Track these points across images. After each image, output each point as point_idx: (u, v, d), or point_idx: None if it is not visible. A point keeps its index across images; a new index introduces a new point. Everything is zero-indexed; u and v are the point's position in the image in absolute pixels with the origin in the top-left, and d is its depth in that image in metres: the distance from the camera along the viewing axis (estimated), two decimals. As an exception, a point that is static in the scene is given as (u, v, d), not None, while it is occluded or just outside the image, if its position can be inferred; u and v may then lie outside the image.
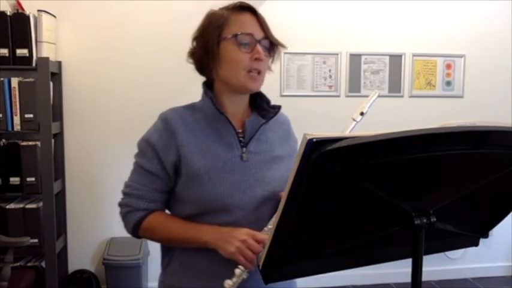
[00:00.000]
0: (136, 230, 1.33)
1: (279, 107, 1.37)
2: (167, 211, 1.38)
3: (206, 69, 1.33)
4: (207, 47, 1.28)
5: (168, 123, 1.31)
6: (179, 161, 1.27)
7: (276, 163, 1.34)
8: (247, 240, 1.18)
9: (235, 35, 1.25)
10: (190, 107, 1.36)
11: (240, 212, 1.26)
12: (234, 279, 1.19)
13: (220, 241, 1.21)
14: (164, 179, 1.30)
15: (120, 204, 1.37)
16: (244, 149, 1.30)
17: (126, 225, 1.36)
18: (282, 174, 1.32)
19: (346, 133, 1.23)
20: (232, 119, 1.31)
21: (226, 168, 1.27)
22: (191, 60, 1.36)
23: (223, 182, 1.26)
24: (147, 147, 1.33)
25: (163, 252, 1.40)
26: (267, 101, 1.38)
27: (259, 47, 1.26)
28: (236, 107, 1.35)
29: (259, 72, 1.28)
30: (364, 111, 1.32)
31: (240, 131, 1.33)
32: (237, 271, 1.19)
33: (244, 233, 1.20)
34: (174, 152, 1.28)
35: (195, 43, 1.34)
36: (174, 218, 1.34)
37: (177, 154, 1.27)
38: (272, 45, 1.31)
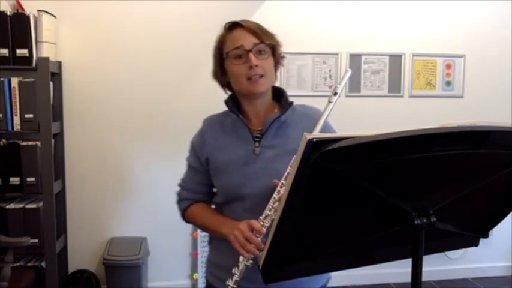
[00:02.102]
0: (183, 216, 1.62)
1: (290, 103, 1.52)
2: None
3: (226, 86, 1.55)
4: (218, 67, 1.51)
5: (203, 127, 1.58)
6: (208, 158, 1.52)
7: (290, 156, 1.40)
8: (241, 228, 1.35)
9: (229, 53, 1.44)
10: (225, 113, 1.57)
11: (252, 200, 1.43)
12: (239, 266, 1.36)
13: (229, 232, 1.40)
14: (203, 172, 1.55)
15: (176, 194, 1.64)
16: (257, 144, 1.48)
17: (179, 211, 1.64)
18: None
19: (325, 115, 1.40)
20: (254, 118, 1.51)
21: (240, 161, 1.47)
22: (215, 80, 1.56)
23: (237, 173, 1.46)
24: (191, 147, 1.60)
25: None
26: (286, 100, 1.53)
27: (251, 56, 1.41)
28: (256, 109, 1.52)
29: (261, 76, 1.43)
30: (338, 92, 1.43)
31: (260, 128, 1.50)
32: (240, 258, 1.35)
33: (243, 223, 1.36)
34: (204, 150, 1.53)
35: (212, 65, 1.54)
36: (208, 210, 1.58)
37: (206, 152, 1.52)
38: (266, 47, 1.45)
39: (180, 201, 1.62)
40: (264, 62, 1.43)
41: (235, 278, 1.35)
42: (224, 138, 1.52)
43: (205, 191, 1.59)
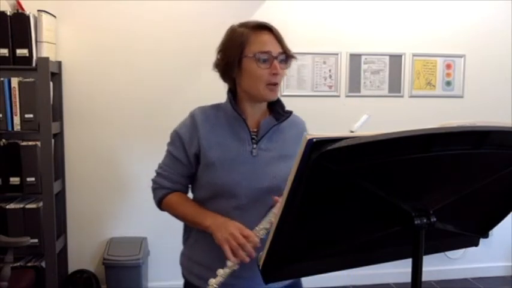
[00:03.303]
0: (159, 204, 1.59)
1: (290, 112, 1.55)
2: (190, 194, 1.61)
3: (229, 80, 1.54)
4: (230, 62, 1.48)
5: (194, 119, 1.54)
6: (199, 151, 1.50)
7: (284, 161, 1.51)
8: (235, 233, 1.36)
9: (255, 55, 1.44)
10: (215, 107, 1.58)
11: (246, 199, 1.46)
12: (226, 270, 1.36)
13: (215, 227, 1.41)
14: (187, 165, 1.54)
15: (152, 180, 1.61)
16: (255, 146, 1.50)
17: (154, 198, 1.61)
18: (287, 171, 1.37)
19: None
20: (250, 119, 1.52)
21: (237, 160, 1.48)
22: (216, 70, 1.55)
23: (233, 171, 1.46)
24: (176, 138, 1.57)
25: (184, 228, 1.64)
26: (282, 107, 1.57)
27: (276, 63, 1.45)
28: (254, 111, 1.54)
29: (275, 84, 1.47)
30: (354, 130, 1.44)
31: (255, 130, 1.53)
32: (229, 263, 1.36)
33: (234, 227, 1.38)
34: (195, 143, 1.51)
35: (218, 56, 1.54)
36: (189, 201, 1.57)
37: (198, 146, 1.50)
38: (287, 57, 1.50)
39: (157, 188, 1.59)
40: (283, 71, 1.48)
41: (219, 279, 1.35)
42: (218, 133, 1.51)
43: (185, 182, 1.58)
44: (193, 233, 1.58)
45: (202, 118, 1.53)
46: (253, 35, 1.47)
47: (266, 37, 1.47)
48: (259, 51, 1.44)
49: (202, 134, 1.50)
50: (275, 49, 1.46)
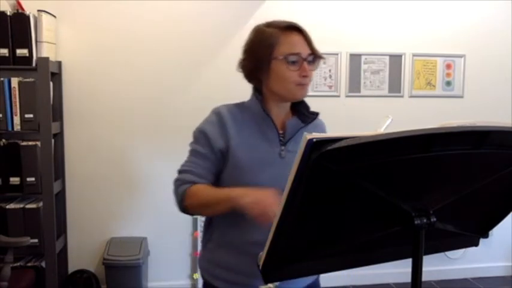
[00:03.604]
0: (182, 200, 1.45)
1: (317, 114, 1.56)
2: None
3: (255, 80, 1.51)
4: (258, 63, 1.45)
5: (220, 117, 1.49)
6: (227, 150, 1.46)
7: None
8: (262, 195, 1.27)
9: (285, 56, 1.42)
10: (240, 106, 1.54)
11: None
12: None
13: (242, 194, 1.32)
14: (213, 161, 1.47)
15: (174, 180, 1.50)
16: (283, 147, 1.49)
17: (176, 198, 1.48)
18: None
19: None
20: (275, 120, 1.50)
21: (265, 161, 1.46)
22: (240, 70, 1.52)
23: (262, 173, 1.44)
24: (200, 135, 1.50)
25: (205, 230, 1.60)
26: (307, 108, 1.56)
27: (305, 65, 1.44)
28: (280, 111, 1.53)
29: (305, 84, 1.46)
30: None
31: (281, 132, 1.51)
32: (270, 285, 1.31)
33: (263, 191, 1.28)
34: (223, 141, 1.46)
35: (244, 56, 1.51)
36: (214, 187, 1.46)
37: (226, 144, 1.46)
38: (315, 58, 1.49)
39: (179, 185, 1.47)
40: (311, 72, 1.47)
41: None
42: (246, 133, 1.47)
43: (211, 179, 1.49)
44: (215, 237, 1.54)
45: (229, 117, 1.48)
46: (283, 36, 1.44)
47: (296, 38, 1.45)
48: (289, 52, 1.43)
49: (231, 133, 1.46)
50: (304, 50, 1.45)
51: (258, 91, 1.52)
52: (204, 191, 1.44)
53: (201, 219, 3.46)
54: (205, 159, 1.47)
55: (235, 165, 1.45)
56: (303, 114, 1.55)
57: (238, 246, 1.47)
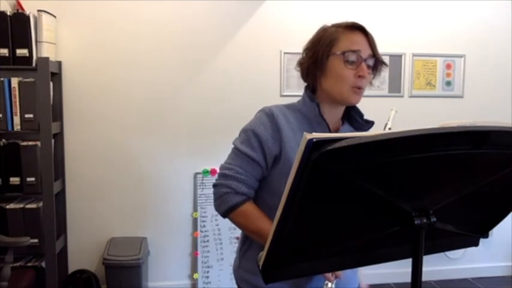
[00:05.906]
0: (230, 211, 1.40)
1: (372, 122, 1.50)
2: None
3: (311, 78, 1.45)
4: (316, 59, 1.40)
5: (274, 118, 1.40)
6: (280, 154, 1.38)
7: None
8: None
9: (344, 52, 1.37)
10: (291, 107, 1.47)
11: None
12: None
13: None
14: (263, 168, 1.40)
15: (219, 184, 1.42)
16: None
17: (220, 204, 1.41)
18: None
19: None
20: (329, 124, 1.44)
21: None
22: (298, 68, 1.48)
23: None
24: (252, 136, 1.41)
25: (243, 239, 1.52)
26: (361, 115, 1.51)
27: (364, 65, 1.37)
28: (333, 115, 1.46)
29: (360, 87, 1.40)
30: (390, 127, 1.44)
31: None
32: (329, 284, 1.34)
33: None
34: (277, 145, 1.38)
35: (304, 54, 1.46)
36: (266, 215, 1.39)
37: (280, 148, 1.38)
38: (376, 63, 1.42)
39: (229, 193, 1.38)
40: (368, 76, 1.41)
41: None
42: (301, 138, 1.42)
43: (257, 187, 1.43)
44: (256, 245, 1.44)
45: (283, 119, 1.40)
46: (345, 34, 1.40)
47: (358, 37, 1.40)
48: (348, 49, 1.37)
49: (286, 138, 1.38)
50: (365, 50, 1.39)
51: (311, 93, 1.45)
52: (256, 219, 1.37)
53: (202, 220, 3.46)
54: (256, 165, 1.40)
55: (287, 172, 1.39)
56: (356, 121, 1.49)
57: None
